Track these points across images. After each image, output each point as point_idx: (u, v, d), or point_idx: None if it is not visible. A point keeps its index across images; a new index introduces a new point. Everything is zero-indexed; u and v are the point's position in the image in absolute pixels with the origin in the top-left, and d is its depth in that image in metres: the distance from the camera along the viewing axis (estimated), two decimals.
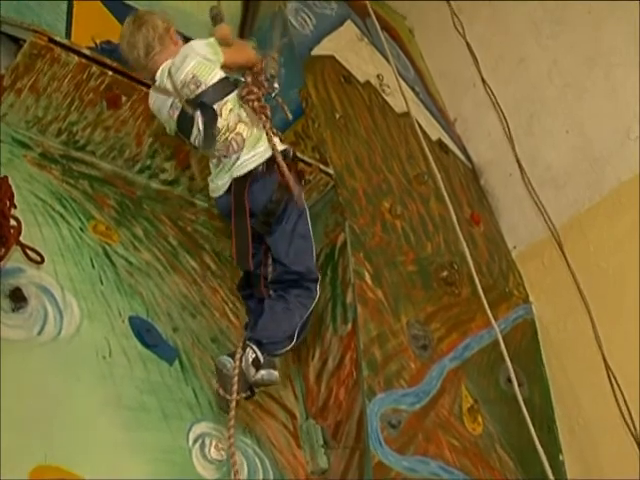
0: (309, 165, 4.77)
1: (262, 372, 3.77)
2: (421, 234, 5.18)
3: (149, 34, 3.95)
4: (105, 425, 3.69)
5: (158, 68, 3.93)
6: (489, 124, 6.21)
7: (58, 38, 4.07)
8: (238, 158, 3.84)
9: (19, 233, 3.60)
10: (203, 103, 3.79)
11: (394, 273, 4.80)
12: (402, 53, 6.53)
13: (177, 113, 3.88)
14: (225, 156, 3.87)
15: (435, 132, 6.12)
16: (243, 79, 4.04)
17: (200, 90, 3.79)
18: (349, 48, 5.96)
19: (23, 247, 3.70)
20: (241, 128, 3.86)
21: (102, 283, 4.11)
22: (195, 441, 3.93)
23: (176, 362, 4.11)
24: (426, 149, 4.84)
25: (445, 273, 5.09)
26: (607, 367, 4.86)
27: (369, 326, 4.44)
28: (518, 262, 5.72)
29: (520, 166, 5.72)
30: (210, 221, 4.83)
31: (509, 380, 4.63)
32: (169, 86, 3.86)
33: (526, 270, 5.67)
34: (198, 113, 3.80)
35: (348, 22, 6.17)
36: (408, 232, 5.08)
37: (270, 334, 3.84)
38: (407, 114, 5.70)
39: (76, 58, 4.08)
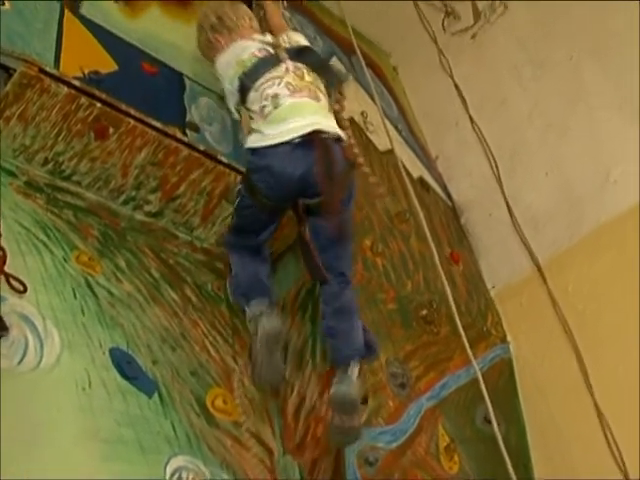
0: None
1: None
2: (401, 272, 5.22)
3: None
4: (82, 457, 3.65)
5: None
6: (471, 163, 6.29)
7: (48, 69, 4.09)
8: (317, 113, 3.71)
9: (4, 262, 3.60)
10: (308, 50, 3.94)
11: (375, 311, 4.83)
12: (386, 90, 6.61)
13: (264, 54, 3.83)
14: (293, 91, 3.72)
15: (417, 170, 6.19)
16: None
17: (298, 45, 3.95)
18: None
19: (7, 276, 3.69)
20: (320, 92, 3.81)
21: (84, 314, 4.09)
22: (172, 475, 3.89)
23: (155, 395, 4.09)
24: (410, 188, 4.88)
25: (425, 312, 5.13)
26: (597, 407, 4.88)
27: None
28: (496, 301, 5.78)
29: (508, 205, 5.75)
30: (192, 254, 4.83)
31: (486, 419, 4.69)
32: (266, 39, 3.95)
33: (504, 309, 5.73)
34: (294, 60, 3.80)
35: (334, 59, 6.24)
36: (389, 270, 5.12)
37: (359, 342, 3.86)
38: (390, 152, 5.76)
39: (65, 89, 4.10)
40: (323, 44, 6.28)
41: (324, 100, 3.85)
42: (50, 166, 4.37)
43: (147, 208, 4.66)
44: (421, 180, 6.13)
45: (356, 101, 6.09)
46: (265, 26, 4.77)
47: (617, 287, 5.20)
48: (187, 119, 5.27)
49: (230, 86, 3.92)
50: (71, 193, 4.47)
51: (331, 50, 6.33)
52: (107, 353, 4.05)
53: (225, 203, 4.70)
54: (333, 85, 3.85)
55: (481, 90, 6.36)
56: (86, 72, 4.79)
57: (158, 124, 4.43)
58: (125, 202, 4.61)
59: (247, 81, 3.79)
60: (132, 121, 4.27)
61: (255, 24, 4.12)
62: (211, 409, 4.26)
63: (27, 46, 4.57)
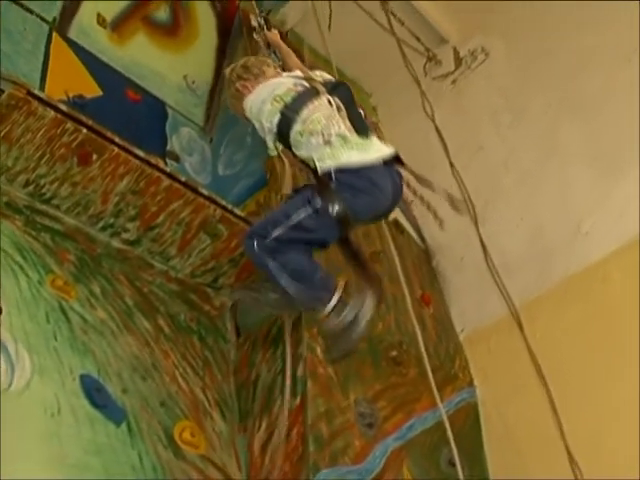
0: None
1: None
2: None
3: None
4: None
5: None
6: (445, 207, 6.32)
7: (37, 92, 4.10)
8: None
9: None
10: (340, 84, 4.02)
11: None
12: None
13: (301, 89, 3.84)
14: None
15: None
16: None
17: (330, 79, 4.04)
18: None
19: None
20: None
21: (56, 339, 4.08)
22: None
23: (124, 424, 4.08)
24: (386, 231, 4.92)
25: (394, 353, 5.15)
26: (569, 453, 4.91)
27: (318, 401, 4.46)
28: (465, 345, 5.80)
29: (485, 250, 5.80)
30: (167, 284, 4.86)
31: (450, 462, 4.71)
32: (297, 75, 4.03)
33: (472, 354, 5.75)
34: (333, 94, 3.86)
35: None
36: None
37: None
38: None
39: (52, 113, 4.12)
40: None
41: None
42: (31, 188, 4.38)
43: (125, 236, 4.68)
44: (396, 222, 6.16)
45: None
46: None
47: (584, 337, 5.23)
48: (168, 148, 5.35)
49: (268, 123, 3.82)
50: (50, 216, 4.48)
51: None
52: (77, 379, 4.04)
53: (203, 235, 4.73)
54: (366, 133, 3.86)
55: (459, 135, 6.43)
56: (70, 96, 4.86)
57: (141, 153, 4.44)
58: (103, 228, 4.63)
59: (290, 113, 3.74)
60: (116, 149, 4.31)
61: (280, 70, 4.17)
62: (178, 441, 4.25)
63: (14, 66, 4.62)
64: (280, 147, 3.89)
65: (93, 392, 4.05)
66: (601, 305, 5.25)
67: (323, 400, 4.49)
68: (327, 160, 3.69)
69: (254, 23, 5.98)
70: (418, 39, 6.76)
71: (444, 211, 6.27)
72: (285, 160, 3.90)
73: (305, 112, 3.73)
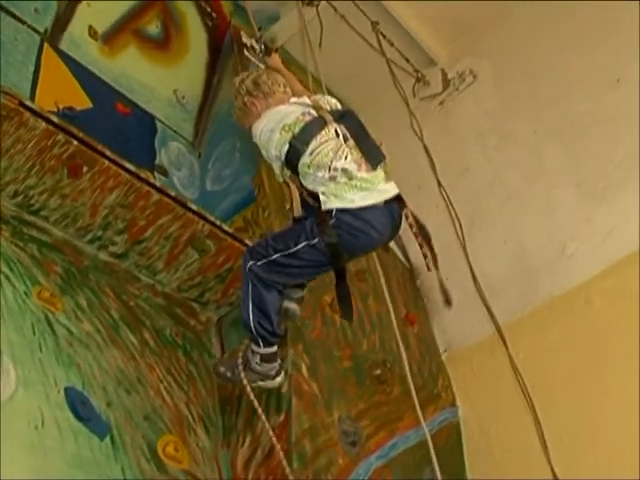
0: None
1: None
2: (358, 331, 5.26)
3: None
4: None
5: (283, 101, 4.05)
6: (430, 227, 6.33)
7: (29, 103, 4.09)
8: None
9: None
10: (349, 113, 4.02)
11: (330, 367, 4.86)
12: None
13: (309, 118, 3.86)
14: (359, 166, 3.81)
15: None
16: None
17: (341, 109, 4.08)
18: None
19: None
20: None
21: (41, 351, 4.07)
22: None
23: (107, 438, 4.06)
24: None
25: (378, 371, 5.17)
26: (553, 472, 4.94)
27: (302, 418, 4.47)
28: (447, 365, 5.84)
29: (472, 270, 5.84)
30: (153, 298, 4.86)
31: None
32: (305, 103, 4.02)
33: (455, 374, 5.79)
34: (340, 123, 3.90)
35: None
36: (346, 328, 5.16)
37: None
38: None
39: (44, 124, 4.12)
40: None
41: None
42: (19, 199, 4.37)
43: (112, 249, 4.67)
44: None
45: None
46: None
47: (567, 358, 5.29)
48: (156, 162, 5.34)
49: (277, 152, 3.84)
50: (37, 228, 4.47)
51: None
52: (62, 392, 4.03)
53: (190, 250, 4.73)
54: (375, 162, 3.89)
55: (445, 156, 6.48)
56: (61, 107, 4.85)
57: (132, 167, 4.44)
58: (91, 241, 4.63)
59: (299, 144, 3.78)
60: (106, 162, 4.31)
61: (289, 90, 4.16)
62: (162, 456, 4.24)
63: (4, 76, 4.61)
64: (288, 174, 3.90)
65: (78, 405, 4.03)
66: (583, 327, 5.32)
67: (307, 417, 4.51)
68: (331, 198, 3.76)
69: (245, 40, 6.03)
70: (407, 60, 6.81)
71: (432, 227, 6.34)
72: (292, 186, 3.91)
73: (313, 144, 3.77)
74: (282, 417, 4.47)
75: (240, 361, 4.02)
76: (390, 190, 3.96)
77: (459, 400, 5.67)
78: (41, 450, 3.75)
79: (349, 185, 3.75)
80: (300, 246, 3.82)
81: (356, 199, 3.76)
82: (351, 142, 3.85)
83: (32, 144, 4.16)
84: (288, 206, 4.05)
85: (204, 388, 4.74)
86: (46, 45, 5.10)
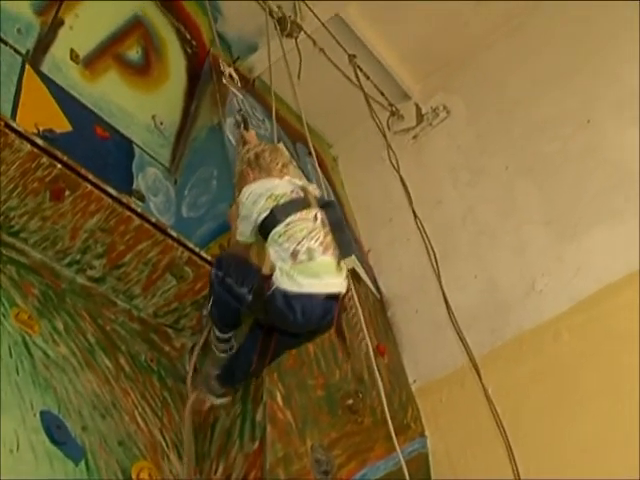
0: None
1: None
2: (331, 360, 5.29)
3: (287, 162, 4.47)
4: None
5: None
6: (401, 260, 6.47)
7: (14, 124, 4.09)
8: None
9: None
10: (333, 204, 4.27)
11: (304, 396, 4.87)
12: (325, 179, 6.75)
13: (296, 195, 4.08)
14: (325, 249, 3.99)
15: (350, 260, 6.28)
16: None
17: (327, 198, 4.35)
18: None
19: None
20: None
21: (18, 373, 4.05)
22: None
23: (82, 462, 4.04)
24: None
25: (350, 401, 5.20)
26: None
27: (276, 446, 4.47)
28: (417, 396, 5.89)
29: (446, 301, 5.90)
30: (129, 323, 4.84)
31: None
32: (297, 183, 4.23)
33: (424, 404, 5.84)
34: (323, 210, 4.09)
35: (280, 144, 6.37)
36: (320, 357, 5.19)
37: None
38: None
39: (28, 146, 4.12)
40: (271, 127, 6.41)
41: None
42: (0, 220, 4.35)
43: (90, 273, 4.67)
44: (353, 271, 6.23)
45: None
46: None
47: (536, 392, 5.38)
48: (134, 187, 5.34)
49: (257, 215, 4.03)
50: (16, 249, 4.45)
51: (278, 134, 6.47)
52: (38, 415, 4.01)
53: (169, 276, 4.74)
54: (345, 254, 4.07)
55: (418, 189, 6.58)
56: (41, 129, 4.83)
57: (113, 192, 4.45)
58: (69, 264, 4.62)
59: (278, 215, 3.97)
60: (89, 186, 4.32)
61: (286, 170, 4.31)
62: None
63: None
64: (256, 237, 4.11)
65: (53, 429, 4.01)
66: (553, 361, 5.43)
67: (281, 445, 4.51)
68: (284, 277, 3.91)
69: (223, 68, 6.09)
70: (382, 94, 6.91)
71: (404, 260, 6.44)
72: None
73: (292, 217, 3.97)
74: (256, 445, 4.47)
75: None
76: (336, 286, 4.07)
77: (428, 431, 5.71)
78: (15, 474, 3.72)
79: (304, 267, 3.90)
80: (241, 290, 4.05)
81: (304, 284, 3.91)
82: (327, 229, 4.02)
83: (16, 166, 4.15)
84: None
85: (178, 414, 4.73)
86: (28, 67, 5.10)
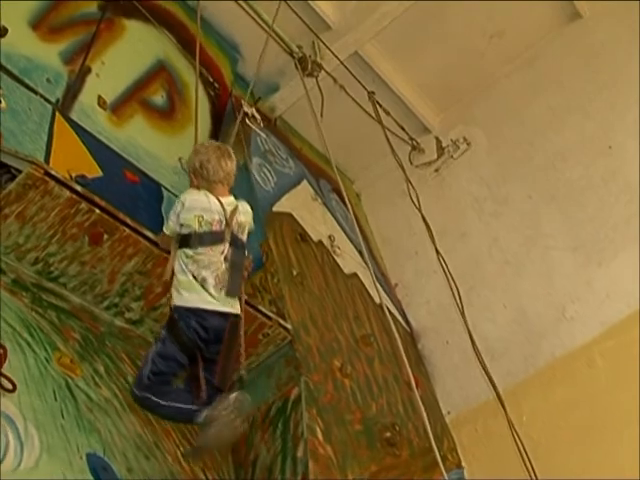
0: (269, 319, 4.95)
1: None
2: (367, 394, 5.32)
3: (233, 170, 4.40)
4: None
5: (217, 192, 4.29)
6: (429, 292, 6.51)
7: (54, 172, 4.16)
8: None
9: (4, 360, 3.60)
10: (241, 245, 4.32)
11: (343, 431, 4.90)
12: (349, 216, 6.81)
13: (217, 228, 4.19)
14: (217, 282, 4.13)
15: (378, 295, 6.34)
16: None
17: (240, 237, 4.31)
18: (305, 207, 6.23)
19: (0, 374, 3.69)
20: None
21: (63, 417, 4.08)
22: None
23: None
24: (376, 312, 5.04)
25: (388, 434, 5.21)
26: None
27: None
28: (452, 427, 5.89)
29: (470, 334, 5.91)
30: None
31: None
32: (225, 213, 4.24)
33: (459, 435, 5.84)
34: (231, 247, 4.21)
35: (304, 182, 6.46)
36: (356, 391, 5.22)
37: None
38: (354, 276, 5.99)
39: (67, 193, 4.17)
40: (295, 166, 6.50)
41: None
42: (39, 266, 4.40)
43: (128, 315, 4.70)
44: (382, 305, 6.29)
45: (324, 224, 6.30)
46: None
47: (570, 420, 5.39)
48: (164, 229, 5.37)
49: (182, 221, 4.19)
50: (56, 294, 4.49)
51: (301, 172, 6.56)
52: (84, 458, 4.03)
53: None
54: (230, 293, 4.18)
55: (441, 222, 6.63)
56: (73, 175, 4.90)
57: (151, 235, 4.51)
58: (108, 308, 4.65)
59: (195, 241, 4.16)
60: (127, 230, 4.37)
61: (227, 180, 4.34)
62: None
63: (20, 145, 4.68)
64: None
65: (99, 471, 4.04)
66: (586, 389, 5.43)
67: None
68: (179, 292, 4.13)
69: (246, 109, 6.18)
70: (402, 128, 6.99)
71: (431, 292, 6.48)
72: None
73: (202, 249, 4.15)
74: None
75: None
76: (219, 307, 4.16)
77: (465, 462, 5.71)
78: None
79: (196, 290, 4.10)
80: (156, 349, 4.15)
81: (192, 300, 4.10)
82: (228, 265, 4.17)
83: (55, 212, 4.20)
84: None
85: (219, 453, 4.74)
86: (57, 115, 5.19)
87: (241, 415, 3.98)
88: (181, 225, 4.18)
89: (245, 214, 4.37)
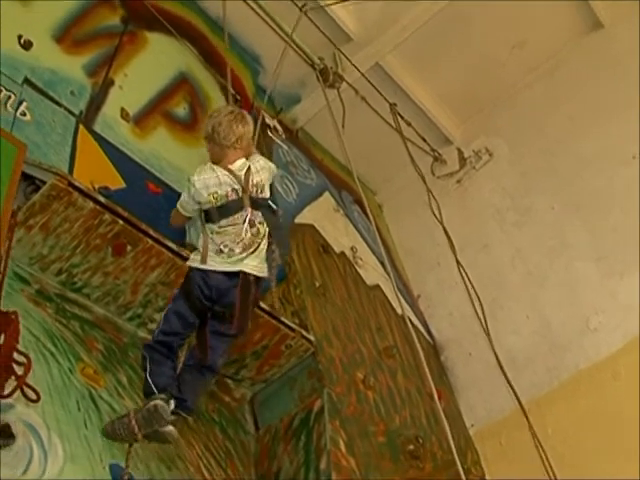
0: (292, 330, 4.95)
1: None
2: (390, 407, 5.30)
3: (247, 133, 4.34)
4: None
5: (229, 157, 4.27)
6: (451, 304, 6.48)
7: (77, 183, 4.17)
8: (251, 257, 4.23)
9: (29, 370, 3.61)
10: (265, 204, 4.34)
11: (366, 443, 4.88)
12: (371, 227, 6.80)
13: (233, 197, 4.21)
14: (243, 249, 4.19)
15: (400, 306, 6.32)
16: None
17: (261, 197, 4.30)
18: (327, 218, 6.24)
19: (25, 384, 3.69)
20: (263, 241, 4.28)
21: (86, 427, 4.07)
22: None
23: None
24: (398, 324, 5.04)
25: (411, 447, 5.18)
26: None
27: None
28: (475, 440, 5.85)
29: (492, 346, 5.87)
30: None
31: None
32: (239, 180, 4.23)
33: (483, 448, 5.79)
34: (253, 211, 4.24)
35: (326, 193, 6.46)
36: (379, 404, 5.21)
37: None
38: (376, 287, 5.98)
39: (91, 204, 4.19)
40: (316, 177, 6.51)
41: (262, 247, 4.29)
42: (63, 277, 4.42)
43: (151, 326, 4.69)
44: (404, 317, 6.26)
45: (346, 236, 6.29)
46: None
47: (595, 432, 5.33)
48: (187, 240, 5.38)
49: (199, 204, 4.24)
50: (79, 305, 4.51)
51: (323, 183, 6.56)
52: (107, 468, 4.02)
53: None
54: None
55: (464, 233, 6.61)
56: (96, 187, 4.92)
57: (174, 246, 4.52)
58: (130, 318, 4.67)
59: (215, 215, 4.21)
60: (150, 241, 4.38)
61: (239, 144, 4.29)
62: None
63: (44, 157, 4.70)
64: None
65: None
66: (611, 400, 5.37)
67: None
68: (192, 258, 4.29)
69: (268, 121, 6.19)
70: (424, 139, 6.98)
71: (454, 303, 6.45)
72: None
73: (224, 222, 4.20)
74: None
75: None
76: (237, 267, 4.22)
77: (488, 475, 5.66)
78: None
79: (218, 260, 4.20)
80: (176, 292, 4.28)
81: (197, 260, 4.23)
82: (255, 229, 4.22)
83: (79, 223, 4.22)
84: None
85: (241, 465, 4.74)
86: (81, 126, 5.22)
87: (166, 422, 4.02)
88: (199, 203, 4.23)
89: (260, 172, 4.35)
